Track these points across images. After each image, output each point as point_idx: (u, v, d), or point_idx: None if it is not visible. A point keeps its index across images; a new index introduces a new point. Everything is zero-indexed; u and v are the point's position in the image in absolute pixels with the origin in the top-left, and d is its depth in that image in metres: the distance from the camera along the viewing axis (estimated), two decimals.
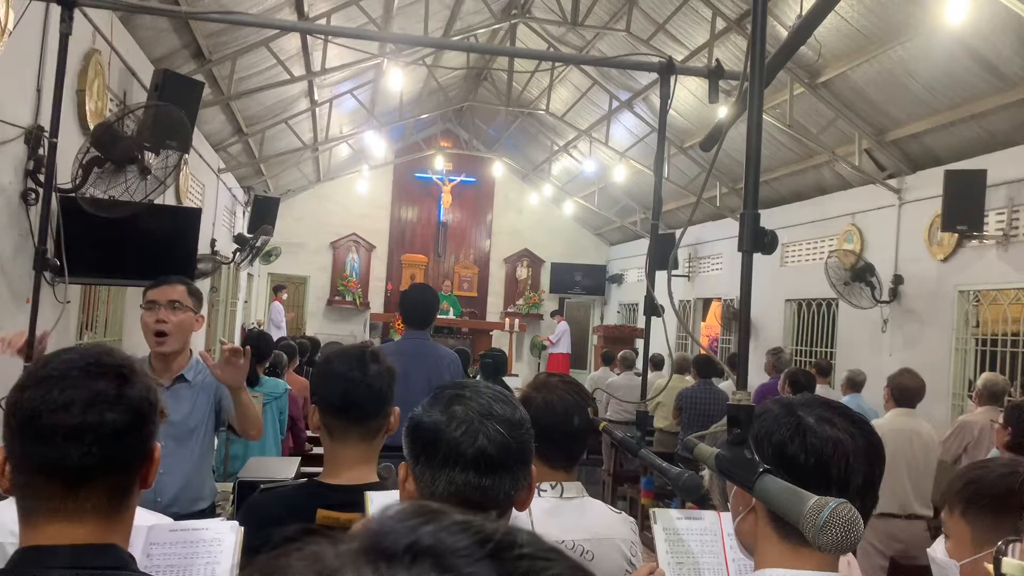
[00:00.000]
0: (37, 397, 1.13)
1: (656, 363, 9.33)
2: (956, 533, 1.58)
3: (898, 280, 8.10)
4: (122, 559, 1.16)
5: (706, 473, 1.70)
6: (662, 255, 2.72)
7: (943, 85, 6.95)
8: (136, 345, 5.59)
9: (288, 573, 0.41)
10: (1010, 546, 0.60)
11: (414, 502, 0.46)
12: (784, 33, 7.21)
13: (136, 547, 1.25)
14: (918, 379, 5.17)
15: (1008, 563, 0.59)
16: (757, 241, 1.20)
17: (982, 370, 6.68)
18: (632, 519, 2.10)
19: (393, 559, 0.41)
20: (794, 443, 1.19)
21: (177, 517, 1.87)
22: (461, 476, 1.23)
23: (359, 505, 1.68)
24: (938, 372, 7.31)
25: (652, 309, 2.55)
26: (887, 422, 5.10)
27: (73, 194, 4.43)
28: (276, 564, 0.42)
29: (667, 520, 1.65)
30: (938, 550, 1.65)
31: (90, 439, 1.11)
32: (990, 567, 1.21)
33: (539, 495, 1.95)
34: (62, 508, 1.12)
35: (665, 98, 2.69)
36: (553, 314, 16.45)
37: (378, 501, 1.67)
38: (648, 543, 1.72)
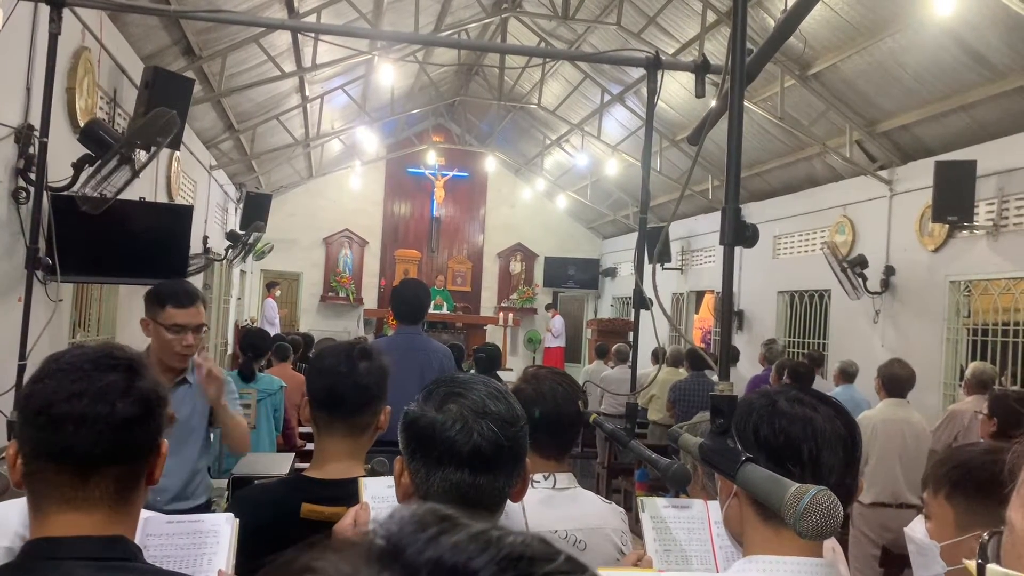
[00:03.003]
0: (50, 388, 1.16)
1: (658, 356, 9.35)
2: (939, 515, 1.59)
3: (890, 271, 8.14)
4: (130, 551, 1.19)
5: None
6: (652, 248, 2.73)
7: (933, 76, 6.98)
8: (131, 344, 5.58)
9: None
10: (991, 540, 0.60)
11: (426, 506, 0.44)
12: (773, 25, 7.22)
13: (134, 539, 1.27)
14: (908, 368, 5.20)
15: (993, 570, 0.59)
16: (738, 235, 1.22)
17: (973, 360, 6.72)
18: (623, 509, 2.13)
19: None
20: (765, 424, 1.23)
21: (175, 513, 1.89)
22: (456, 474, 1.25)
23: (343, 499, 1.70)
24: (930, 362, 7.35)
25: (641, 302, 2.57)
26: (879, 412, 5.14)
27: (64, 192, 4.42)
28: None
29: (654, 509, 1.67)
30: (917, 530, 1.66)
31: (100, 428, 1.15)
32: (971, 565, 1.23)
33: (532, 486, 1.97)
34: (72, 497, 1.15)
35: (652, 93, 2.70)
36: (548, 307, 16.49)
37: (371, 488, 1.68)
38: (641, 533, 1.74)
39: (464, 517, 0.44)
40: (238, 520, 1.58)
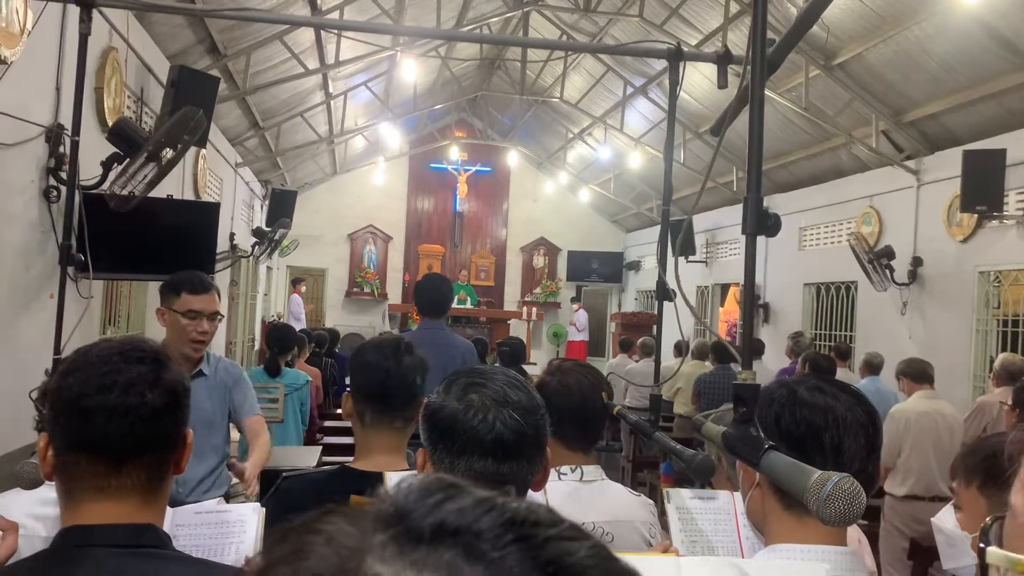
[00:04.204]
0: (80, 381, 1.19)
1: (679, 349, 9.36)
2: (971, 506, 1.58)
3: (917, 262, 8.05)
4: (160, 538, 1.22)
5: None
6: (675, 240, 2.73)
7: (960, 64, 6.88)
8: (160, 339, 5.65)
9: (307, 555, 0.40)
10: (994, 525, 0.60)
11: (433, 475, 0.45)
12: (795, 14, 7.16)
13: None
14: (920, 359, 5.32)
15: (993, 553, 0.59)
16: (761, 224, 1.22)
17: (1003, 351, 6.64)
18: (651, 501, 2.14)
19: (419, 541, 0.40)
20: (787, 414, 1.23)
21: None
22: (480, 463, 1.27)
23: None
24: (959, 354, 7.27)
25: (664, 295, 2.57)
26: (912, 405, 5.13)
27: (93, 191, 4.49)
28: (294, 546, 0.41)
29: (680, 500, 1.67)
30: (946, 520, 1.65)
31: (132, 419, 1.18)
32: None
33: (559, 478, 1.98)
34: (105, 486, 1.18)
35: (674, 84, 2.70)
36: (573, 300, 16.48)
37: (395, 481, 1.70)
38: (667, 526, 1.74)
39: (471, 485, 0.44)
40: (266, 511, 1.61)
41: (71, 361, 1.24)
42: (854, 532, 1.67)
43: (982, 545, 0.59)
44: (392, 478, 1.72)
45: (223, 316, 3.03)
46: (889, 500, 5.11)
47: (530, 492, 1.39)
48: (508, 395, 1.31)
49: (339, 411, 6.87)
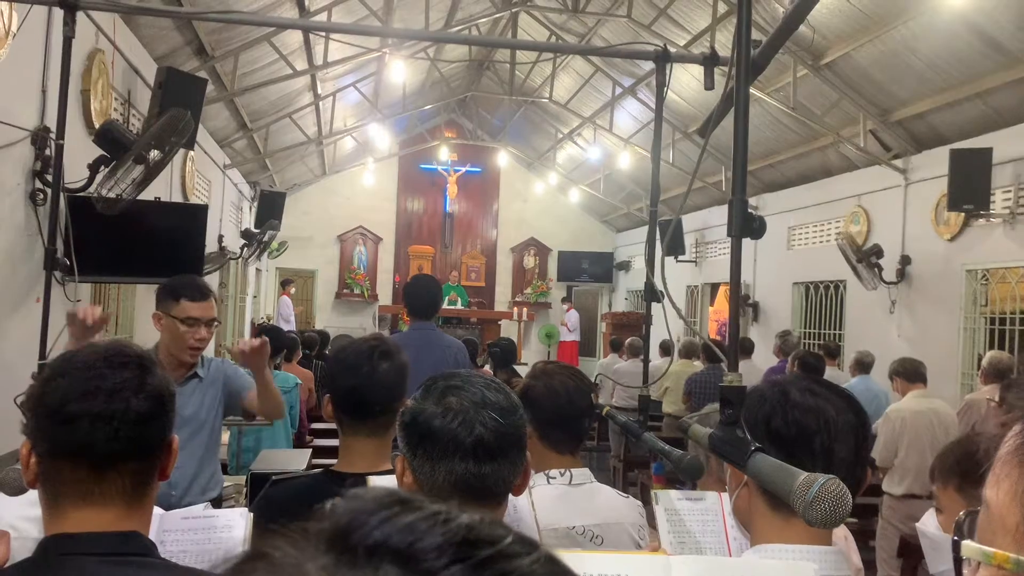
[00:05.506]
0: (64, 386, 1.17)
1: (665, 349, 9.38)
2: (951, 508, 1.59)
3: (905, 261, 8.09)
4: (145, 546, 1.20)
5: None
6: (663, 240, 2.73)
7: (947, 63, 6.92)
8: (148, 342, 5.63)
9: None
10: (967, 520, 0.60)
11: (386, 490, 0.44)
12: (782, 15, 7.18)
13: (150, 535, 1.29)
14: (912, 359, 5.32)
15: (968, 546, 0.59)
16: (746, 226, 1.22)
17: (991, 348, 6.68)
18: (640, 503, 2.13)
19: (356, 563, 0.39)
20: (778, 415, 1.23)
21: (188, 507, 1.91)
22: (461, 466, 1.26)
23: None
24: (947, 352, 7.31)
25: (652, 295, 2.57)
26: (907, 405, 5.16)
27: (80, 193, 4.47)
28: (237, 571, 0.40)
29: (668, 501, 1.67)
30: (929, 524, 1.66)
31: (116, 425, 1.16)
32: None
33: (548, 482, 1.98)
34: (89, 493, 1.17)
35: (661, 86, 2.71)
36: (563, 300, 16.49)
37: (378, 485, 1.69)
38: (656, 527, 1.74)
39: (421, 501, 0.43)
40: (252, 515, 1.60)
41: (54, 366, 1.23)
42: (840, 530, 1.67)
43: (955, 539, 0.59)
44: (375, 483, 1.72)
45: (220, 322, 3.02)
46: (887, 499, 5.14)
47: (512, 497, 1.37)
48: (487, 397, 1.30)
49: None
